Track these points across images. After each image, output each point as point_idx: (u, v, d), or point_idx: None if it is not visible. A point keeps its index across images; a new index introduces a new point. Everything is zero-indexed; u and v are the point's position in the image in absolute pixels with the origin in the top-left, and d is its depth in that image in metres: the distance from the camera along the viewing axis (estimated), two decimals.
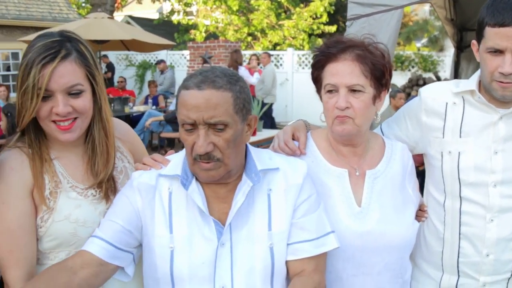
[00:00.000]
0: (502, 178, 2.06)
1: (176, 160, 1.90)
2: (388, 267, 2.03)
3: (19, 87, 1.82)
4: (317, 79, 2.08)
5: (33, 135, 1.93)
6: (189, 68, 16.16)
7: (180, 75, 16.12)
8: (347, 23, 3.46)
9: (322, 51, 2.04)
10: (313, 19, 22.65)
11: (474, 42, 2.09)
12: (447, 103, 2.17)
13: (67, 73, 1.83)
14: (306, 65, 16.83)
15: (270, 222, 1.84)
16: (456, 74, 6.47)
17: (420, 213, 2.20)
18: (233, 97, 1.72)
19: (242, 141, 1.81)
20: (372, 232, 1.99)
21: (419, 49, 16.70)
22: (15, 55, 15.46)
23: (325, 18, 22.35)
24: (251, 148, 1.91)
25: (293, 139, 2.14)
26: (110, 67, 16.51)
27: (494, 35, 1.92)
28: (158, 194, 1.85)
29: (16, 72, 14.23)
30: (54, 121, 1.86)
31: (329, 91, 1.98)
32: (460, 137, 2.12)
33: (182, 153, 1.90)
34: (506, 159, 2.07)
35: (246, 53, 16.89)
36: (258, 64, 14.25)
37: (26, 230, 1.86)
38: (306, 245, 1.85)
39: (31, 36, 12.48)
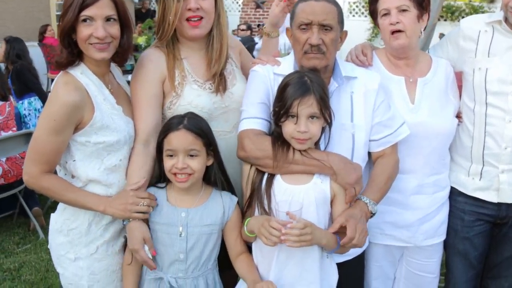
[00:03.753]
0: None
1: (287, 62, 2.53)
2: (434, 150, 2.71)
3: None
4: (373, 11, 2.73)
5: (170, 38, 2.57)
6: (242, 13, 16.46)
7: (233, 19, 16.46)
8: None
9: None
10: None
11: None
12: (480, 31, 2.76)
13: None
14: (357, 13, 17.06)
15: (353, 116, 2.48)
16: None
17: (457, 118, 2.81)
18: (337, 11, 2.41)
19: (337, 47, 2.46)
20: (423, 123, 2.64)
21: (470, 0, 16.70)
22: None
23: None
24: (339, 60, 2.54)
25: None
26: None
27: None
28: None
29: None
30: (187, 20, 2.48)
31: (384, 15, 2.63)
32: (488, 56, 2.71)
33: (291, 56, 2.53)
34: None
35: None
36: None
37: (149, 105, 2.49)
38: (389, 137, 2.54)
39: None
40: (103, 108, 2.35)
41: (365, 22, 16.89)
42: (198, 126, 2.36)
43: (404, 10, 2.58)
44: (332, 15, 2.36)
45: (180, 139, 2.30)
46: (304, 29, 2.38)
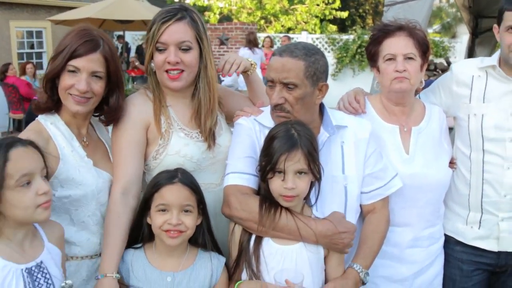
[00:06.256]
0: None
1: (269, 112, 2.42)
2: (429, 202, 2.63)
3: (146, 41, 2.43)
4: (374, 53, 2.64)
5: (155, 84, 2.48)
6: None
7: None
8: (384, 9, 3.98)
9: (380, 29, 2.63)
10: (326, 4, 22.98)
11: (495, 26, 2.67)
12: (473, 76, 2.71)
13: (180, 30, 2.38)
14: (320, 48, 17.26)
15: (344, 167, 2.39)
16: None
17: (451, 165, 2.74)
18: (305, 65, 2.25)
19: (312, 102, 2.34)
20: (417, 174, 2.56)
21: (429, 35, 17.17)
22: (38, 34, 15.91)
23: (338, 3, 22.70)
24: (328, 109, 2.45)
25: None
26: (126, 48, 16.79)
27: (510, 17, 2.51)
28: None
29: (40, 50, 14.59)
30: (166, 71, 2.39)
31: (388, 59, 2.54)
32: (483, 102, 2.66)
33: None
34: None
35: (261, 36, 17.28)
36: (272, 46, 14.66)
37: (131, 152, 2.38)
38: (380, 190, 2.45)
39: (57, 16, 12.93)
40: (70, 160, 2.28)
41: (329, 58, 17.10)
42: (193, 182, 2.25)
43: (410, 58, 2.52)
44: (295, 72, 2.23)
45: (175, 193, 2.18)
46: (270, 86, 2.30)
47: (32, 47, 15.99)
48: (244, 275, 2.23)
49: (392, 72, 2.52)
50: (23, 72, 13.09)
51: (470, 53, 7.04)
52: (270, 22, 23.40)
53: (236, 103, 2.72)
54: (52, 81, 2.29)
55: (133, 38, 19.19)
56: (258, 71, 13.66)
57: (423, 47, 2.55)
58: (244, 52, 13.55)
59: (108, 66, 2.30)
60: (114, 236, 2.25)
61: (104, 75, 2.31)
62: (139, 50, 15.50)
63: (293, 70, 2.23)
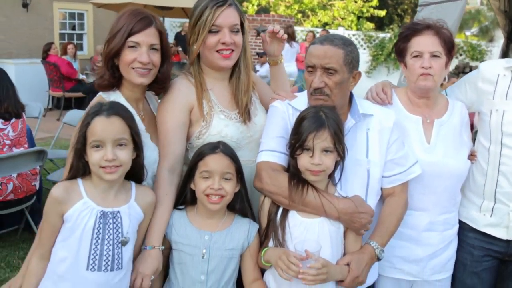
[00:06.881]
0: None
1: (303, 97, 2.64)
2: (446, 190, 2.82)
3: (192, 26, 2.61)
4: (402, 49, 2.84)
5: (198, 69, 2.69)
6: None
7: None
8: (418, 9, 4.18)
9: (409, 27, 2.83)
10: (364, 1, 22.95)
11: None
12: (499, 74, 2.89)
13: (232, 15, 2.61)
14: (356, 45, 17.29)
15: (368, 152, 2.60)
16: None
17: (471, 157, 2.93)
18: (344, 53, 2.47)
19: (347, 88, 2.56)
20: (437, 163, 2.76)
21: (467, 38, 17.07)
22: (80, 16, 16.27)
23: (375, 1, 22.66)
24: (356, 97, 2.66)
25: None
26: None
27: None
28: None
29: (81, 32, 14.90)
30: (217, 51, 2.61)
31: (415, 56, 2.74)
32: (506, 99, 2.84)
33: (305, 92, 2.65)
34: None
35: (297, 29, 17.40)
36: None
37: (177, 134, 2.59)
38: (400, 175, 2.65)
39: None
40: None
41: (364, 55, 17.16)
42: (233, 153, 2.49)
43: (436, 56, 2.70)
44: (335, 59, 2.44)
45: (217, 161, 2.42)
46: (310, 71, 2.51)
47: (73, 28, 16.29)
48: (271, 243, 2.45)
49: (419, 68, 2.71)
50: (64, 52, 13.50)
51: (504, 58, 7.09)
52: (308, 16, 23.48)
53: (263, 90, 2.97)
54: (112, 60, 2.49)
55: (171, 25, 19.50)
56: (294, 64, 13.87)
57: (449, 45, 2.74)
58: None
59: (161, 39, 2.53)
60: (162, 212, 2.47)
61: (159, 47, 2.52)
62: (178, 37, 15.75)
63: (334, 57, 2.45)
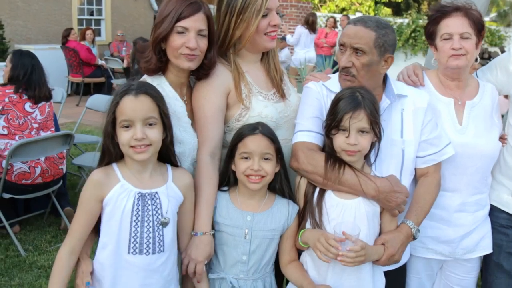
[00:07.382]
0: None
1: (335, 79, 2.68)
2: (478, 170, 2.84)
3: (237, 12, 2.59)
4: (432, 32, 2.86)
5: (235, 53, 2.71)
6: None
7: None
8: None
9: (438, 10, 2.84)
10: None
11: None
12: None
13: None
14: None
15: (403, 132, 2.63)
16: None
17: (502, 140, 2.94)
18: (375, 36, 2.49)
19: (377, 71, 2.57)
20: (469, 144, 2.78)
21: (485, 23, 16.94)
22: (98, 1, 16.30)
23: None
24: (391, 78, 2.68)
25: None
26: None
27: None
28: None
29: (98, 17, 14.94)
30: (266, 34, 2.65)
31: (445, 39, 2.76)
32: None
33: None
34: None
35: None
36: (334, 27, 14.66)
37: (216, 119, 2.61)
38: (434, 156, 2.68)
39: None
40: (172, 119, 2.45)
41: None
42: (272, 133, 2.52)
43: (466, 38, 2.72)
44: (365, 40, 2.46)
45: (256, 142, 2.45)
46: (341, 49, 2.55)
47: (91, 14, 16.37)
48: (308, 225, 2.49)
49: (449, 50, 2.73)
50: (82, 37, 13.56)
51: None
52: (325, 2, 23.35)
53: None
54: (159, 44, 2.49)
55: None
56: (313, 49, 13.81)
57: (478, 26, 2.75)
58: (302, 31, 13.69)
59: (209, 24, 2.52)
60: (208, 197, 2.49)
61: (207, 33, 2.51)
62: None
63: (364, 38, 2.47)
